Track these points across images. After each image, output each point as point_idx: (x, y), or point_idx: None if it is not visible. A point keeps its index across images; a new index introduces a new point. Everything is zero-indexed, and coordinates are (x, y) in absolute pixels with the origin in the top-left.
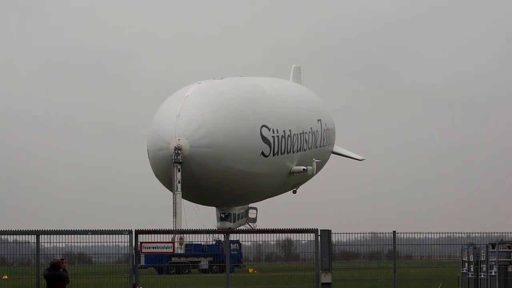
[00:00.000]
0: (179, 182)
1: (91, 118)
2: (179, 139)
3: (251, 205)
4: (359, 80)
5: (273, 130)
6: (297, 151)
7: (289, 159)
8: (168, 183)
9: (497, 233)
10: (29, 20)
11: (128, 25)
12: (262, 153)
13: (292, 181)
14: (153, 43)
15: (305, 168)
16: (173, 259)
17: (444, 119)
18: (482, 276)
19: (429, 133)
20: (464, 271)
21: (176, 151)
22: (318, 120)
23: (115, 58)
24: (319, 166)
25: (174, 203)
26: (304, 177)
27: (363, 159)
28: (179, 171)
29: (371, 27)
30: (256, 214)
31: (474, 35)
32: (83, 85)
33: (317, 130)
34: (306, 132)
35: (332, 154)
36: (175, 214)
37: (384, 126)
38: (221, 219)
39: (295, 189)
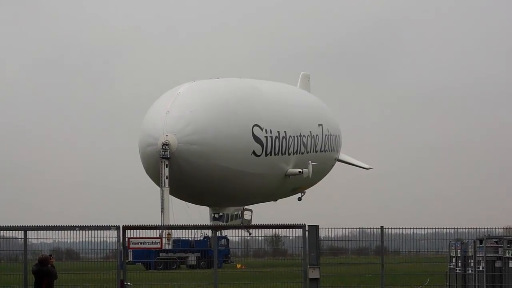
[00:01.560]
0: (166, 178)
1: (80, 115)
2: (167, 135)
3: (246, 206)
4: (369, 88)
5: (266, 130)
6: (293, 154)
7: (284, 161)
8: (157, 179)
9: (484, 228)
10: (18, 15)
11: (125, 24)
12: (254, 153)
13: (289, 184)
14: (152, 44)
15: (301, 170)
16: (160, 254)
17: (433, 118)
18: (470, 271)
19: (417, 130)
20: (451, 266)
21: (163, 147)
22: (319, 125)
23: (112, 58)
24: (322, 173)
25: (162, 199)
26: (301, 180)
27: (370, 168)
28: (166, 167)
29: (377, 33)
30: (251, 216)
31: (482, 34)
32: (72, 82)
33: (317, 135)
34: (304, 135)
35: (338, 162)
36: (162, 209)
37: (376, 125)
38: (214, 219)
39: (300, 196)
